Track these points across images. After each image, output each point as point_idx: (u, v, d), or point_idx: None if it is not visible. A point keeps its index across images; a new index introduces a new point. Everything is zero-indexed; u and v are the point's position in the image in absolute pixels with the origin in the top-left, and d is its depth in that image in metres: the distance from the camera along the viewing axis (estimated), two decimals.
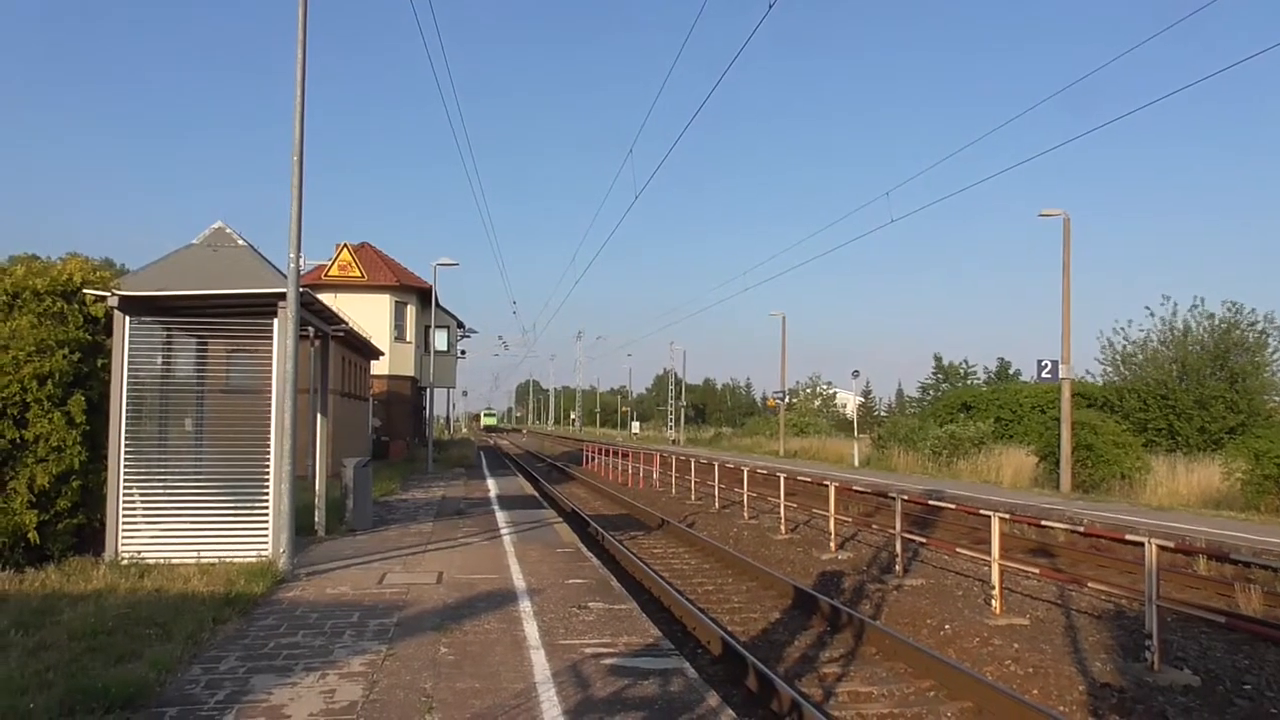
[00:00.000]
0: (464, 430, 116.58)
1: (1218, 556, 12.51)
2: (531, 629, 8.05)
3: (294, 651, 7.18)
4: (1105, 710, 7.60)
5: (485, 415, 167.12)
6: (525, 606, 9.02)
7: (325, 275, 33.93)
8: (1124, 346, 37.62)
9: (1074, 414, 26.57)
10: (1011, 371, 60.52)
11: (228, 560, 10.65)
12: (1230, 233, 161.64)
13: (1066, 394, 26.24)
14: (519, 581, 10.41)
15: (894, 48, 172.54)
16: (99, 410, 11.29)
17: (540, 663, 6.91)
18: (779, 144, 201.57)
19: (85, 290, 11.69)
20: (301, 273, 11.39)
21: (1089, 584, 10.97)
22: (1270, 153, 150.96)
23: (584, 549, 13.30)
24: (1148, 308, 38.52)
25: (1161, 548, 8.84)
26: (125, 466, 10.92)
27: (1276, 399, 35.95)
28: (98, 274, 12.34)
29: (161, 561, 10.49)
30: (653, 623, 8.59)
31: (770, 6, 11.80)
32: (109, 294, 11.27)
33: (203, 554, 10.74)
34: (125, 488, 10.91)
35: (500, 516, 17.39)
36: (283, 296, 11.09)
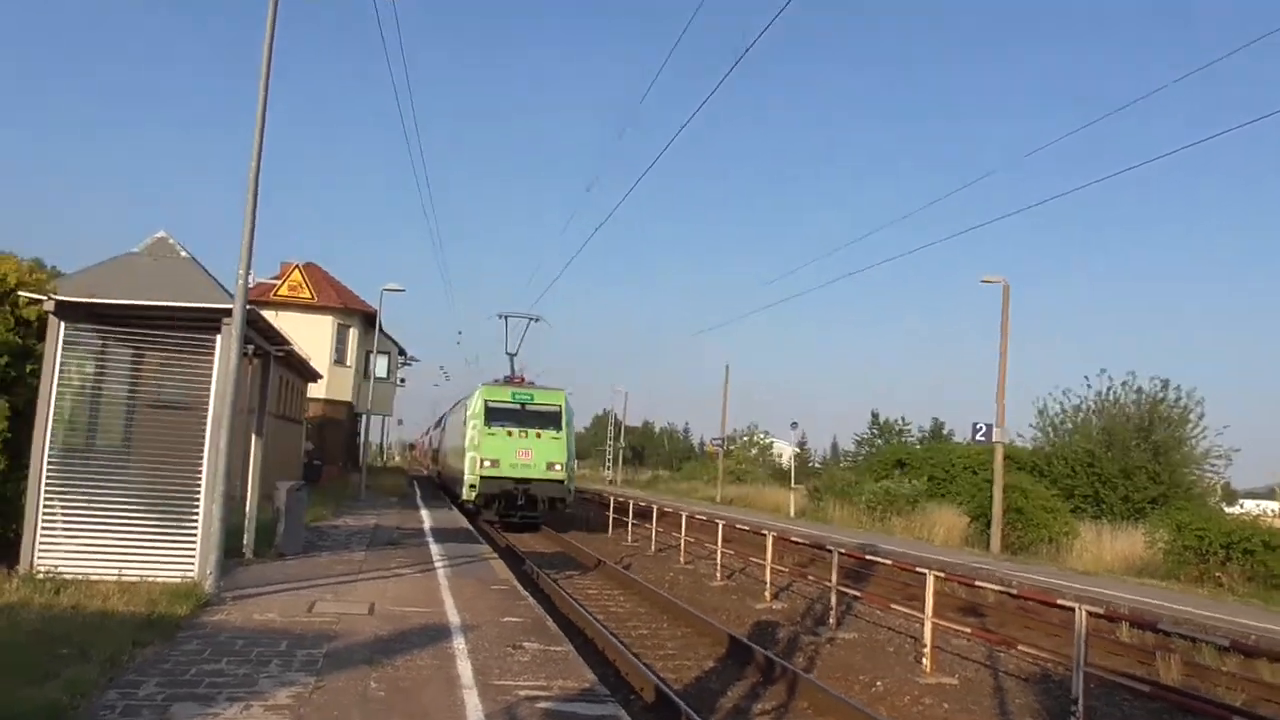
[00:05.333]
0: (397, 459, 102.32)
1: (1143, 625, 12.79)
2: (465, 667, 7.88)
3: (217, 680, 6.91)
4: None
5: (490, 415, 25.76)
6: (459, 643, 8.84)
7: (274, 295, 33.37)
8: (1058, 413, 38.62)
9: (1006, 477, 27.13)
10: (945, 431, 61.66)
11: (150, 579, 10.26)
12: (1168, 310, 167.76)
13: (999, 457, 26.81)
14: (453, 617, 10.20)
15: (849, 110, 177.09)
16: (23, 417, 10.86)
17: (474, 704, 6.76)
18: (733, 195, 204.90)
19: (20, 292, 11.29)
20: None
21: (1018, 646, 11.13)
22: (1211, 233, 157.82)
23: (519, 587, 13.10)
24: (1085, 377, 39.68)
25: (1091, 614, 9.02)
26: (48, 477, 10.48)
27: (1196, 472, 37.14)
28: (33, 275, 11.94)
29: (79, 577, 10.04)
30: (588, 666, 8.48)
31: (736, 61, 12.05)
32: (45, 298, 10.90)
33: (124, 571, 10.33)
34: (46, 499, 10.47)
35: (434, 549, 17.07)
36: (228, 313, 10.86)
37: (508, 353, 29.74)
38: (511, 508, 25.61)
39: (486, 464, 25.12)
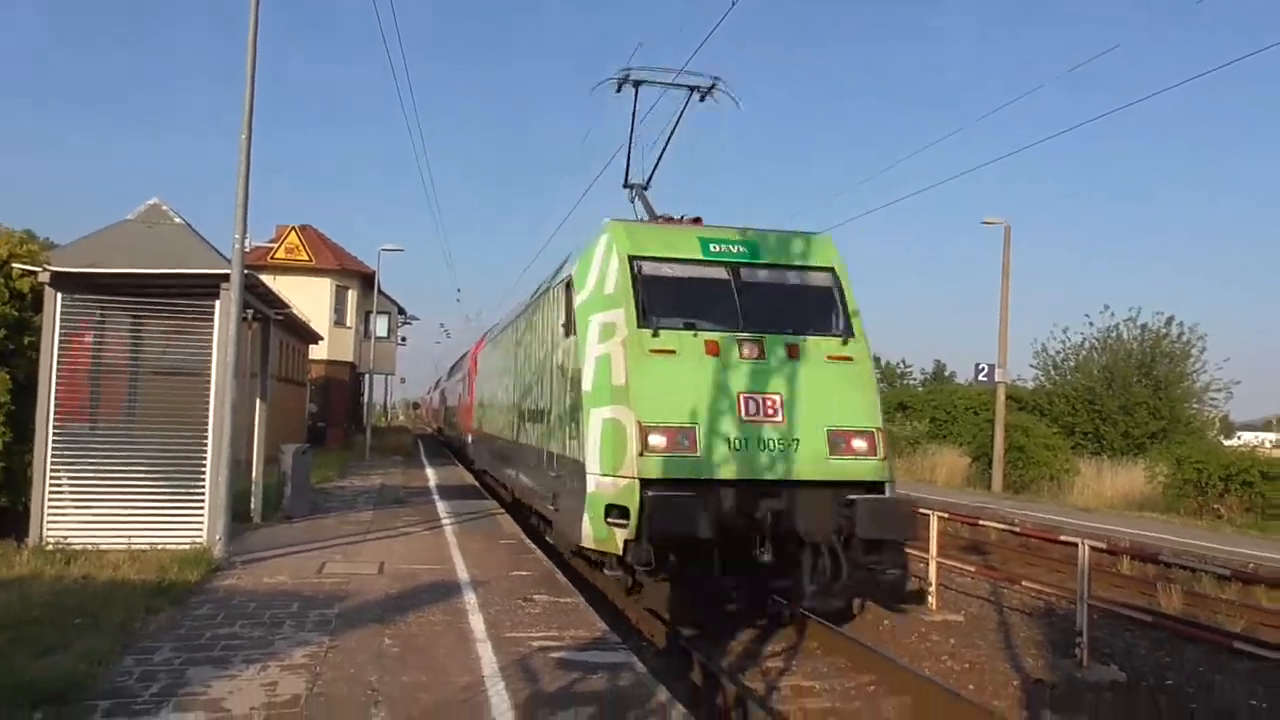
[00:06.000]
0: (401, 418, 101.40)
1: (1144, 557, 12.96)
2: (477, 621, 7.98)
3: (232, 643, 7.00)
4: (1038, 705, 7.82)
5: (654, 296, 8.98)
6: (470, 599, 8.94)
7: (271, 258, 33.20)
8: (1059, 351, 38.60)
9: (1007, 417, 27.25)
10: (947, 373, 61.66)
11: (160, 547, 10.33)
12: (1173, 248, 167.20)
13: (1001, 397, 26.91)
14: (462, 573, 10.31)
15: (847, 55, 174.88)
16: (25, 390, 10.87)
17: (487, 656, 6.86)
18: (729, 141, 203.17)
19: (13, 264, 11.23)
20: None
21: (1022, 582, 11.26)
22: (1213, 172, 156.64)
23: (527, 540, 13.23)
24: (1087, 315, 39.25)
25: (1094, 548, 9.12)
26: (53, 448, 10.52)
27: (1196, 406, 37.26)
28: (24, 247, 11.86)
29: (89, 548, 10.12)
30: (598, 616, 8.58)
31: (734, 3, 11.59)
32: (40, 269, 10.84)
33: (134, 540, 10.40)
34: (53, 470, 10.52)
35: (441, 506, 17.21)
36: (226, 279, 10.81)
37: (628, 185, 12.39)
38: (742, 563, 8.73)
39: (654, 439, 8.60)
